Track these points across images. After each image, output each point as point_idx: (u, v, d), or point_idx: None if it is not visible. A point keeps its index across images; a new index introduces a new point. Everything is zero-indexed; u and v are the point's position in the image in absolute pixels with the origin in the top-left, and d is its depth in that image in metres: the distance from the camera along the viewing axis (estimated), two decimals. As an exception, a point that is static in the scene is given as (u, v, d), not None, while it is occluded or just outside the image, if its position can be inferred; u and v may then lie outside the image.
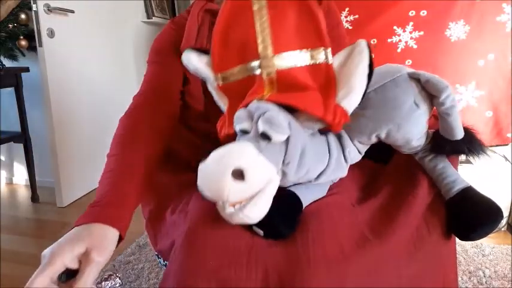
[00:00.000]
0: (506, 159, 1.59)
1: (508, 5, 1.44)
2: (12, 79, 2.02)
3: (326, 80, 0.61)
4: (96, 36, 2.32)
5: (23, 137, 2.12)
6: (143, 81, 0.92)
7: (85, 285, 0.52)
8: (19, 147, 2.19)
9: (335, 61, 0.62)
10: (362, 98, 0.59)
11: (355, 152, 0.68)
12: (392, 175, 0.73)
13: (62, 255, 0.53)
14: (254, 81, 0.63)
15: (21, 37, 2.04)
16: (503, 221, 1.67)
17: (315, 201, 0.66)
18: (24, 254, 1.64)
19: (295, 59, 0.61)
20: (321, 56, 0.61)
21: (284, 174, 0.59)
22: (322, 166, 0.63)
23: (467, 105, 1.54)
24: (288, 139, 0.57)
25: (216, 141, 0.88)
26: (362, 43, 0.60)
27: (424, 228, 0.63)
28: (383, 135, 0.65)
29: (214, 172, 0.52)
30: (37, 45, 1.92)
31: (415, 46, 1.56)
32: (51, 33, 1.97)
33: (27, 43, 2.05)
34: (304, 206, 0.64)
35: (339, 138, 0.66)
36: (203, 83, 0.88)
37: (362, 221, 0.64)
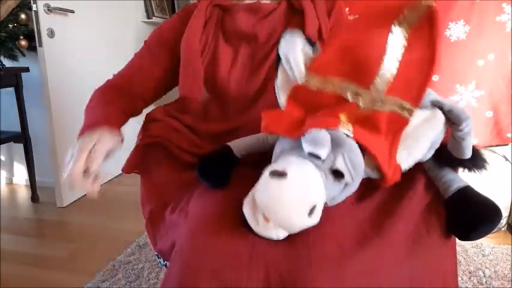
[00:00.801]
0: (506, 159, 1.59)
1: (508, 5, 1.44)
2: (12, 79, 2.02)
3: (396, 133, 0.58)
4: (96, 36, 2.32)
5: (23, 137, 2.12)
6: (129, 62, 1.04)
7: (96, 159, 0.70)
8: (19, 147, 2.19)
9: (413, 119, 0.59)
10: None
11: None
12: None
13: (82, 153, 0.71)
14: (338, 102, 0.59)
15: (21, 37, 2.04)
16: (503, 221, 1.67)
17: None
18: (24, 254, 1.64)
19: (389, 105, 0.57)
20: (407, 113, 0.58)
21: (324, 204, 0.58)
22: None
23: (467, 105, 1.54)
24: (346, 184, 0.56)
25: (215, 140, 0.89)
26: (441, 116, 0.58)
27: (423, 228, 0.63)
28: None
29: (295, 201, 0.50)
30: (37, 45, 1.93)
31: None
32: (51, 33, 1.97)
33: (27, 43, 2.05)
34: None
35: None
36: (205, 80, 0.90)
37: (362, 219, 0.64)
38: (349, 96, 0.58)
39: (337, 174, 0.54)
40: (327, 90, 0.59)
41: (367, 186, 0.74)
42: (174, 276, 0.58)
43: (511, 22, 1.45)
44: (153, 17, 2.84)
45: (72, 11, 2.07)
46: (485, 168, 0.66)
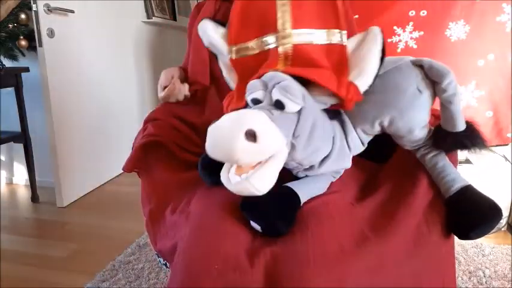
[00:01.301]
0: (506, 159, 1.59)
1: (508, 5, 1.44)
2: (12, 79, 2.02)
3: (339, 60, 0.62)
4: (96, 36, 2.32)
5: (23, 137, 2.12)
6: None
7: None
8: (19, 147, 2.19)
9: (348, 44, 0.63)
10: (373, 81, 0.60)
11: (357, 141, 0.67)
12: (392, 174, 0.73)
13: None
14: (267, 57, 0.64)
15: (21, 37, 2.03)
16: (503, 221, 1.67)
17: (314, 200, 0.66)
18: (24, 254, 1.64)
19: (312, 36, 0.62)
20: (336, 37, 0.63)
21: (293, 147, 0.58)
22: (327, 148, 0.63)
23: (467, 105, 1.53)
24: (300, 111, 0.57)
25: None
26: (375, 29, 0.61)
27: (424, 227, 0.63)
28: (386, 123, 0.65)
29: (227, 131, 0.51)
30: (37, 45, 1.92)
31: (415, 46, 1.55)
32: (51, 33, 1.96)
33: (27, 43, 2.05)
34: (302, 202, 0.64)
35: (342, 124, 0.66)
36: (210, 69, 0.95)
37: (362, 219, 0.64)
38: (270, 45, 0.64)
39: (279, 105, 0.56)
40: (252, 53, 0.66)
41: (368, 186, 0.74)
42: (178, 278, 0.58)
43: (511, 22, 1.45)
44: (153, 17, 2.84)
45: (72, 11, 2.07)
46: (484, 145, 0.65)
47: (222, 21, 0.71)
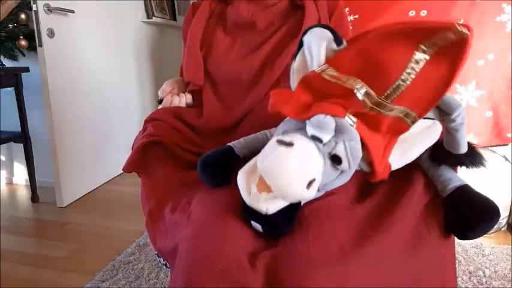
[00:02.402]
0: (506, 159, 1.59)
1: (508, 5, 1.44)
2: (12, 79, 2.02)
3: (394, 135, 0.61)
4: (96, 36, 2.32)
5: (23, 137, 2.12)
6: None
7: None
8: (19, 147, 2.19)
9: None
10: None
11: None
12: (391, 174, 0.73)
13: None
14: (347, 96, 0.59)
15: (21, 37, 2.03)
16: (503, 221, 1.67)
17: (314, 201, 0.66)
18: (24, 254, 1.64)
19: (395, 112, 0.58)
20: (410, 119, 0.58)
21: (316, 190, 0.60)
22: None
23: (467, 105, 1.54)
24: (342, 172, 0.59)
25: (215, 139, 0.90)
26: (439, 127, 0.62)
27: (423, 227, 0.63)
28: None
29: (296, 171, 0.52)
30: (37, 45, 1.92)
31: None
32: (51, 33, 1.97)
33: (27, 43, 2.05)
34: (302, 202, 0.64)
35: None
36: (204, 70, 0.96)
37: (362, 219, 0.64)
38: (359, 95, 0.58)
39: (336, 160, 0.56)
40: (339, 83, 0.60)
41: (367, 187, 0.74)
42: (181, 279, 0.58)
43: (511, 22, 1.45)
44: (153, 17, 2.84)
45: (72, 11, 2.07)
46: (483, 165, 0.66)
47: (340, 37, 0.63)
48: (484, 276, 1.34)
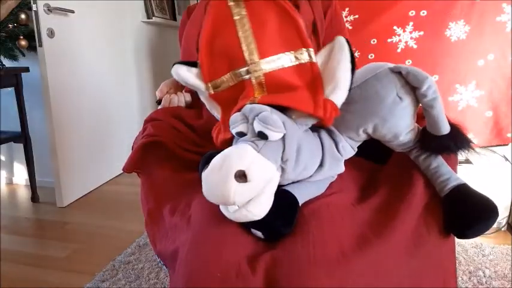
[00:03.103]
0: (506, 159, 1.59)
1: (508, 5, 1.44)
2: (12, 79, 2.02)
3: (312, 78, 0.64)
4: (96, 36, 2.32)
5: (23, 137, 2.12)
6: None
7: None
8: (19, 147, 2.19)
9: (318, 59, 0.65)
10: (348, 93, 0.61)
11: (348, 148, 0.69)
12: (390, 174, 0.73)
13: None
14: (244, 87, 0.66)
15: (21, 37, 2.04)
16: (503, 221, 1.67)
17: (315, 201, 0.66)
18: (24, 254, 1.64)
19: (281, 61, 0.65)
20: (304, 56, 0.65)
21: (283, 170, 0.60)
22: (317, 162, 0.64)
23: (467, 105, 1.54)
24: (283, 137, 0.59)
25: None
26: (341, 39, 0.63)
27: (423, 227, 0.63)
28: (370, 130, 0.67)
29: (217, 178, 0.54)
30: (37, 45, 1.93)
31: (415, 46, 1.55)
32: (51, 33, 1.97)
33: (27, 43, 2.05)
34: (300, 203, 0.64)
35: (330, 134, 0.67)
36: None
37: (362, 221, 0.64)
38: (243, 77, 0.66)
39: (263, 136, 0.57)
40: (228, 85, 0.69)
41: (367, 188, 0.74)
42: (181, 285, 0.58)
43: (511, 22, 1.45)
44: (153, 17, 2.84)
45: (72, 11, 2.07)
46: (469, 147, 0.65)
47: (192, 61, 0.74)
48: (484, 276, 1.34)
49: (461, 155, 0.67)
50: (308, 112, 0.60)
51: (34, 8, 1.88)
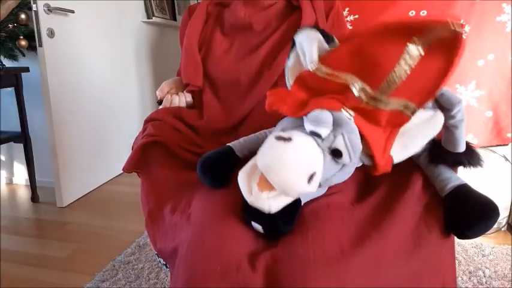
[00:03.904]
0: (506, 159, 1.59)
1: (508, 5, 1.44)
2: (12, 79, 2.02)
3: (394, 128, 0.59)
4: (96, 36, 2.32)
5: (23, 137, 2.12)
6: None
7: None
8: (19, 147, 2.19)
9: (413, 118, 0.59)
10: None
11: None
12: (390, 174, 0.73)
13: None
14: (343, 92, 0.59)
15: (21, 37, 2.04)
16: (503, 221, 1.67)
17: (314, 201, 0.66)
18: (24, 254, 1.64)
19: (396, 105, 0.58)
20: (409, 110, 0.58)
21: (318, 186, 0.59)
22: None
23: (467, 105, 1.54)
24: (343, 166, 0.58)
25: (215, 140, 0.90)
26: (441, 118, 0.60)
27: (423, 227, 0.63)
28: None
29: (295, 170, 0.52)
30: (37, 45, 1.92)
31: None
32: (51, 33, 1.97)
33: (27, 43, 2.05)
34: (303, 202, 0.64)
35: None
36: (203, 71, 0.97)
37: (361, 219, 0.64)
38: (355, 90, 0.59)
39: (336, 154, 0.56)
40: (334, 80, 0.61)
41: (367, 187, 0.74)
42: (181, 281, 0.58)
43: (511, 22, 1.45)
44: (153, 17, 2.84)
45: (72, 11, 2.07)
46: (480, 165, 0.66)
47: (331, 35, 0.65)
48: (484, 276, 1.34)
49: (470, 169, 0.67)
50: (376, 160, 0.57)
51: (34, 8, 1.88)
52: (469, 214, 0.61)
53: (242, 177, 0.58)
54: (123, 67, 2.64)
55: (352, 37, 0.62)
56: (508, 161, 1.59)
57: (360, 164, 0.63)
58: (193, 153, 0.87)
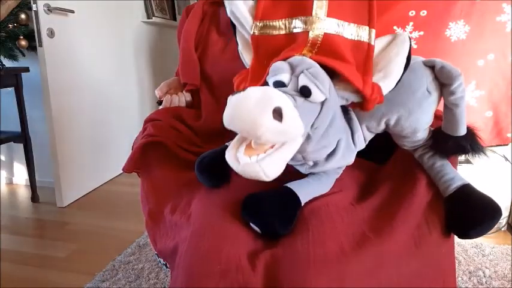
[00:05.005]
0: (506, 159, 1.59)
1: (508, 5, 1.44)
2: (12, 79, 2.02)
3: (365, 59, 0.60)
4: (96, 36, 2.32)
5: (23, 137, 2.12)
6: None
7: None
8: (19, 147, 2.19)
9: (375, 44, 0.62)
10: (395, 86, 0.59)
11: (361, 139, 0.67)
12: (391, 174, 0.73)
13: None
14: (291, 41, 0.61)
15: (21, 37, 2.04)
16: (503, 221, 1.67)
17: (315, 201, 0.66)
18: (24, 254, 1.64)
19: (342, 29, 0.61)
20: (365, 34, 0.62)
21: (308, 138, 0.56)
22: (334, 145, 0.62)
23: (467, 105, 1.53)
24: (323, 103, 0.55)
25: (214, 139, 0.90)
26: (405, 35, 0.61)
27: (424, 227, 0.63)
28: (392, 122, 0.64)
29: (254, 104, 0.47)
30: (37, 45, 1.93)
31: (415, 46, 1.55)
32: (51, 33, 1.97)
33: (27, 43, 2.05)
34: (304, 202, 0.64)
35: (349, 122, 0.65)
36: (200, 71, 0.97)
37: (362, 220, 0.64)
38: (298, 28, 0.61)
39: (305, 91, 0.53)
40: (277, 33, 0.63)
41: (368, 187, 0.74)
42: (181, 280, 0.58)
43: (511, 22, 1.45)
44: (153, 17, 2.84)
45: (72, 11, 2.07)
46: (484, 153, 0.65)
47: None
48: (484, 276, 1.34)
49: (473, 157, 0.66)
50: (357, 86, 0.56)
51: (34, 8, 1.88)
52: (472, 214, 0.61)
53: (228, 153, 0.54)
54: (123, 67, 2.64)
55: None
56: (508, 161, 1.59)
57: (346, 103, 0.60)
58: (193, 153, 0.87)
